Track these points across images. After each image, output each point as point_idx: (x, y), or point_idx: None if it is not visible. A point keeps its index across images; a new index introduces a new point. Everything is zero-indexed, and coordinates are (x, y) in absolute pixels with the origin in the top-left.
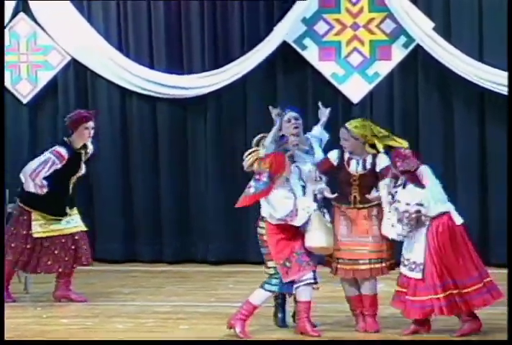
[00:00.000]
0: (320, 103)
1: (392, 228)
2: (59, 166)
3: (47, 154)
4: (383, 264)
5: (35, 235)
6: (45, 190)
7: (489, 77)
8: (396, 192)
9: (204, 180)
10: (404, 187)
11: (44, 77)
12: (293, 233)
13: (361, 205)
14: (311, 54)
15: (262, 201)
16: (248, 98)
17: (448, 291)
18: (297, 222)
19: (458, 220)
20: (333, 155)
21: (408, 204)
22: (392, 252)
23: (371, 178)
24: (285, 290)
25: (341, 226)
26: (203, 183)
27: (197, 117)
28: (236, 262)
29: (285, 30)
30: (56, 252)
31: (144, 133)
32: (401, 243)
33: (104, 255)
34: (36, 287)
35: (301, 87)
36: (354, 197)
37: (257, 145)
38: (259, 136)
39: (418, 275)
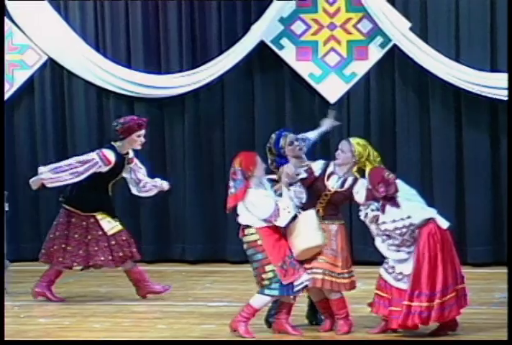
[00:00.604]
0: (331, 109)
1: (382, 246)
2: (104, 169)
3: (91, 155)
4: (336, 279)
5: (110, 232)
6: (35, 188)
7: (465, 77)
8: (376, 216)
9: (182, 180)
10: (383, 211)
11: (21, 77)
12: (282, 235)
13: (327, 221)
14: (288, 54)
15: (241, 209)
16: (225, 97)
17: (413, 302)
18: (280, 222)
19: (444, 224)
20: (316, 165)
21: (394, 220)
22: (350, 271)
23: (342, 197)
24: (286, 293)
25: None
26: (181, 183)
27: (175, 116)
28: (214, 262)
29: (263, 30)
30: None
31: None
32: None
33: None
34: (14, 286)
35: (278, 87)
36: (318, 211)
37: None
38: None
39: (404, 286)
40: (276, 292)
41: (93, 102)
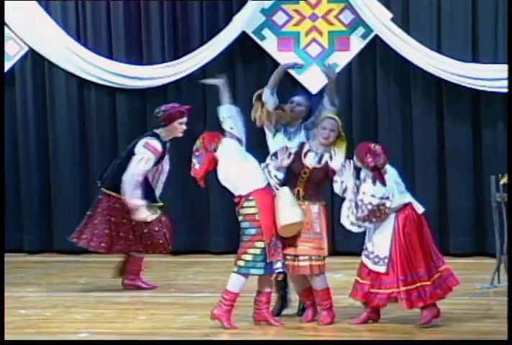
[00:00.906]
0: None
1: (347, 219)
2: (154, 160)
3: (141, 151)
4: (321, 262)
5: (149, 219)
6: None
7: (447, 68)
8: (359, 186)
9: None
10: (374, 183)
11: None
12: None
13: (301, 202)
14: (269, 44)
15: (229, 182)
16: (207, 88)
17: (408, 286)
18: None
19: (419, 209)
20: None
21: (373, 196)
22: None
23: (321, 174)
24: (270, 272)
25: None
26: None
27: (157, 108)
28: (196, 253)
29: (244, 21)
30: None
31: (103, 124)
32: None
33: (62, 246)
34: None
35: (260, 77)
36: (298, 191)
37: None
38: (259, 91)
39: (382, 269)
40: (261, 271)
41: (74, 93)
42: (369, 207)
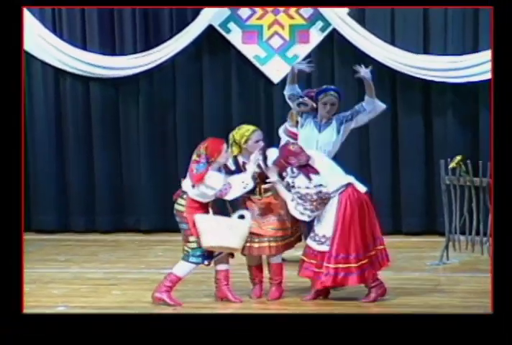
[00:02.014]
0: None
1: (295, 210)
2: None
3: (282, 137)
4: (287, 240)
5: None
6: None
7: (401, 59)
8: (293, 182)
9: (136, 154)
10: (309, 178)
11: None
12: (209, 209)
13: (266, 195)
14: (234, 37)
15: (187, 177)
16: (176, 78)
17: (337, 264)
18: (230, 195)
19: (362, 188)
20: (229, 163)
21: (307, 187)
22: (297, 226)
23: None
24: (209, 260)
25: (255, 209)
26: (135, 158)
27: (129, 96)
28: (166, 231)
29: (211, 14)
30: None
31: (78, 111)
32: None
33: (40, 226)
34: None
35: (226, 68)
36: (259, 189)
37: None
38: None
39: (326, 248)
40: (199, 260)
41: (50, 82)
42: (309, 197)
